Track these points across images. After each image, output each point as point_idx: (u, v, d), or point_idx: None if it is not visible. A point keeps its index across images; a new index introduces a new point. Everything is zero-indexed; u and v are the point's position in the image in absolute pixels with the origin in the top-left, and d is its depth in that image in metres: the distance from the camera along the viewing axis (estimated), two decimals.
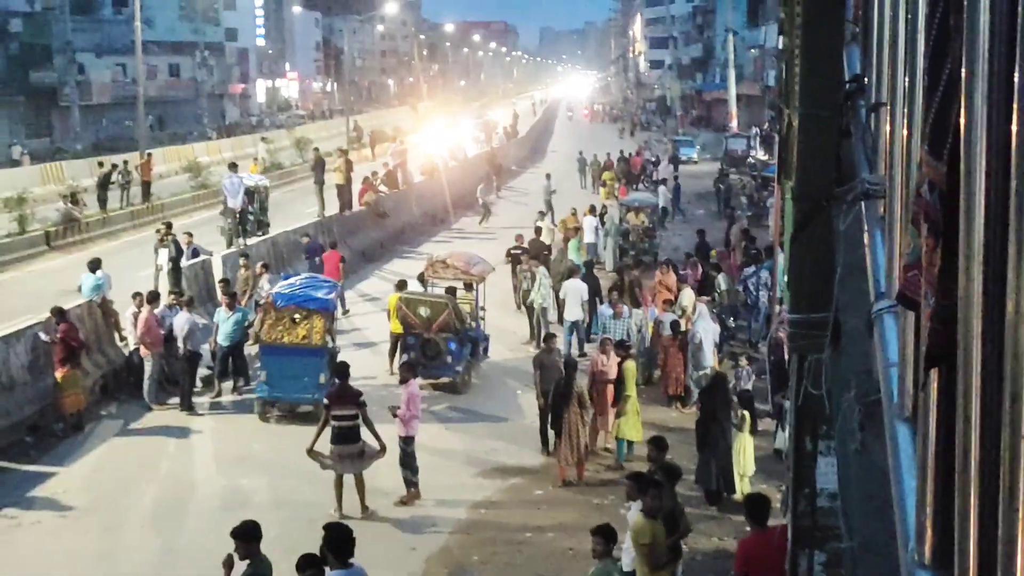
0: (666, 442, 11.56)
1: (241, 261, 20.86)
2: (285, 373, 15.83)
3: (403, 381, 13.30)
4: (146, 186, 36.34)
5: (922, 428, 2.79)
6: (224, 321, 17.31)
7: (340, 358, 15.83)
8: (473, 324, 18.56)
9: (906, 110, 3.67)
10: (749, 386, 15.22)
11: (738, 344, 20.15)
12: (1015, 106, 1.84)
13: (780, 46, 16.55)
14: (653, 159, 49.86)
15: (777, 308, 17.11)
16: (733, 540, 11.45)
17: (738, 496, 12.75)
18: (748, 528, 9.38)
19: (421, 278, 19.62)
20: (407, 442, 12.95)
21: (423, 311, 17.58)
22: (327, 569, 7.75)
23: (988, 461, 2.03)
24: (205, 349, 17.41)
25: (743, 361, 16.23)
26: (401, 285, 18.91)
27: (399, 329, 17.93)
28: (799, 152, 5.42)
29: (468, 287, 19.34)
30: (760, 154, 50.55)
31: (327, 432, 12.53)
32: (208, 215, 32.29)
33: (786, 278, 7.40)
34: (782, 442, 13.28)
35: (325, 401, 12.75)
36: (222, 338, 17.24)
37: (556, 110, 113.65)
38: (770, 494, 11.74)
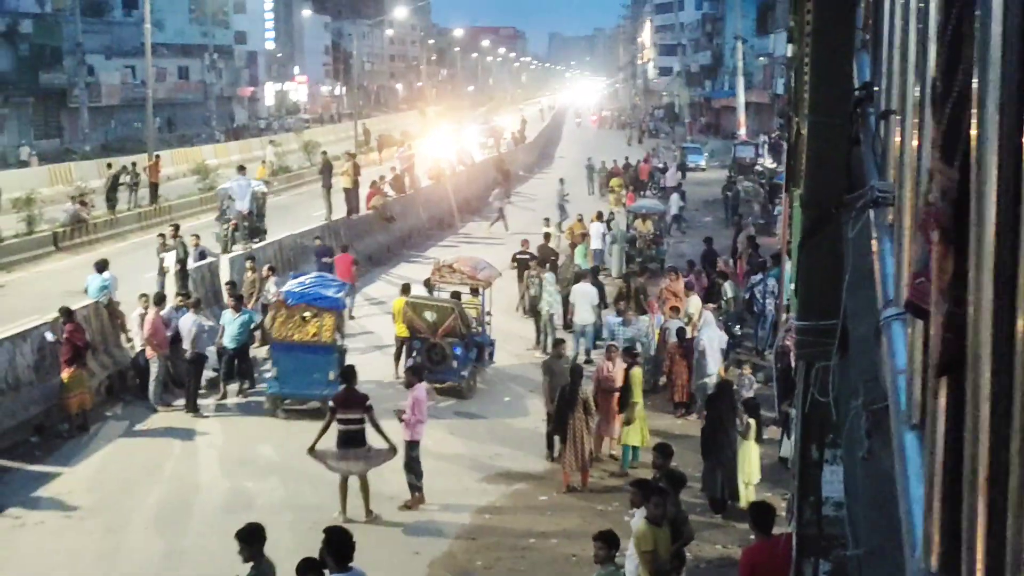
0: (671, 449, 11.55)
1: (248, 264, 20.89)
2: (295, 369, 16.13)
3: (409, 385, 13.28)
4: (154, 188, 36.44)
5: (930, 436, 2.78)
6: (230, 323, 17.34)
7: (347, 362, 15.88)
8: (479, 329, 18.56)
9: (916, 118, 3.66)
10: (751, 394, 15.19)
11: (744, 352, 20.11)
12: None
13: (789, 54, 16.57)
14: (661, 166, 49.83)
15: (784, 316, 17.12)
16: (738, 548, 11.43)
17: (743, 504, 12.72)
18: (752, 536, 9.35)
19: (428, 284, 19.61)
20: (412, 447, 12.94)
21: (429, 315, 17.59)
22: (326, 572, 7.74)
23: (996, 469, 2.02)
24: (211, 351, 17.42)
25: (746, 369, 16.21)
26: (405, 289, 18.96)
27: (404, 333, 17.95)
28: (808, 159, 5.41)
29: (474, 292, 19.35)
30: (768, 162, 50.50)
31: (331, 435, 12.52)
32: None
33: (793, 286, 7.40)
34: (788, 450, 13.25)
35: (331, 404, 12.74)
36: (228, 340, 17.26)
37: (564, 116, 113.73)
38: (775, 502, 11.71)
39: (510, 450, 15.20)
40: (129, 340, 17.85)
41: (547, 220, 29.17)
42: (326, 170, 34.04)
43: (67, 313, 15.67)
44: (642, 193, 42.18)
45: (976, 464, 2.12)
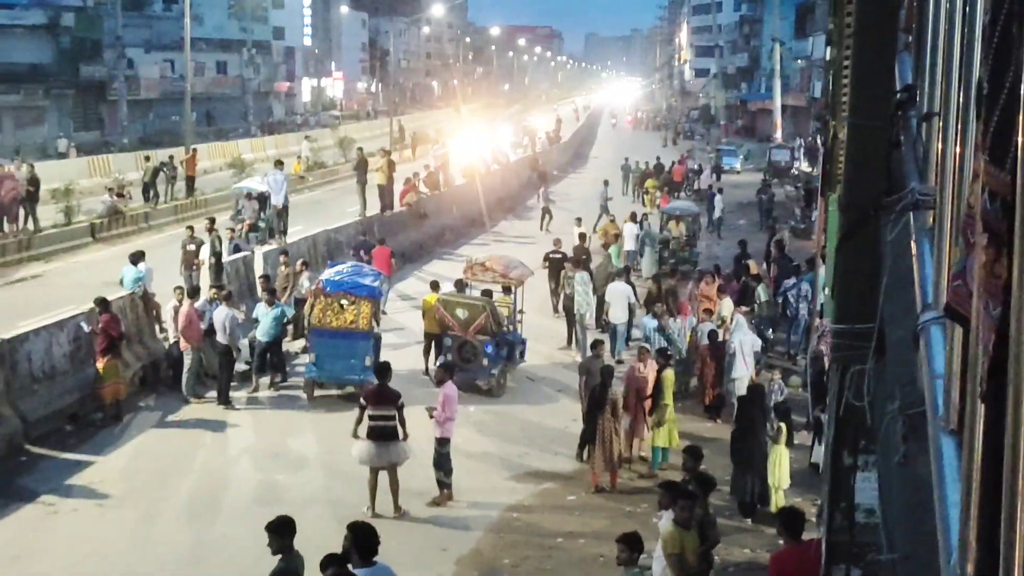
0: (701, 452, 11.50)
1: (281, 259, 20.99)
2: (333, 355, 16.72)
3: (440, 383, 13.31)
4: (190, 181, 36.73)
5: (967, 441, 2.75)
6: (263, 317, 17.47)
7: (382, 348, 16.21)
8: (510, 327, 18.56)
9: (959, 120, 3.62)
10: (782, 398, 15.11)
11: (776, 356, 20.01)
12: None
13: (827, 57, 16.43)
14: (696, 167, 49.63)
15: (817, 321, 16.99)
16: (766, 553, 11.36)
17: (773, 508, 12.65)
18: (781, 541, 9.30)
19: (458, 283, 19.58)
20: (442, 443, 12.96)
21: (460, 313, 17.62)
22: (350, 567, 7.77)
23: None
24: (244, 344, 17.54)
25: (776, 374, 16.11)
26: (435, 286, 19.03)
27: (434, 329, 18.01)
28: (847, 162, 5.36)
29: (506, 290, 19.36)
30: (804, 166, 50.18)
31: (363, 430, 12.58)
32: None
33: (828, 290, 7.33)
34: (819, 456, 13.16)
35: (362, 401, 12.80)
36: (261, 334, 17.38)
37: (599, 116, 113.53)
38: (805, 508, 11.65)
39: (539, 449, 15.19)
40: (163, 331, 18.01)
41: (579, 220, 29.12)
42: (361, 166, 34.17)
43: (103, 303, 15.83)
44: (677, 195, 42.00)
45: (1015, 470, 2.09)
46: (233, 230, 24.60)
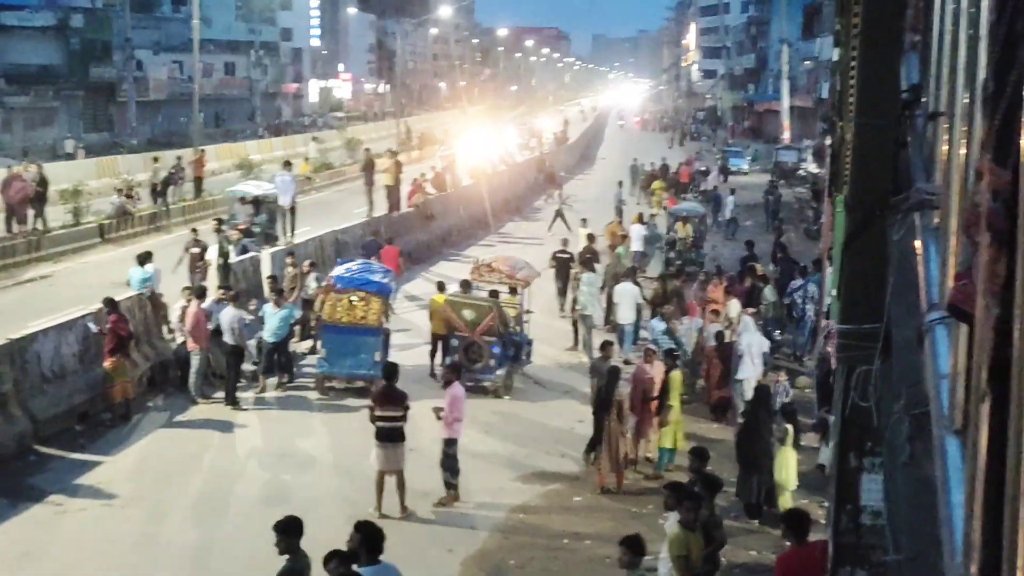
0: (707, 453, 11.50)
1: (288, 259, 21.01)
2: (343, 350, 17.03)
3: (447, 383, 13.31)
4: (198, 182, 36.78)
5: (972, 441, 2.74)
6: (271, 317, 17.49)
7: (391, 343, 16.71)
8: (517, 328, 18.56)
9: (965, 120, 3.62)
10: (788, 399, 15.09)
11: (782, 357, 19.97)
12: None
13: (835, 58, 16.42)
14: (703, 169, 49.60)
15: (824, 322, 16.98)
16: (772, 554, 11.34)
17: (780, 509, 12.62)
18: (787, 543, 9.29)
19: (464, 283, 19.54)
20: (449, 444, 12.95)
21: (467, 314, 17.63)
22: (355, 567, 7.79)
23: None
24: (251, 344, 17.57)
25: (782, 376, 16.08)
26: (441, 287, 19.06)
27: (441, 330, 18.01)
28: (854, 161, 5.35)
29: (513, 291, 19.36)
30: (812, 167, 50.13)
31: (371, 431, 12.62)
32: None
33: (834, 290, 7.32)
34: (826, 457, 13.14)
35: (370, 403, 12.81)
36: (268, 334, 17.40)
37: (606, 118, 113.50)
38: (811, 509, 11.63)
39: (546, 450, 15.18)
40: (171, 332, 18.02)
41: (584, 221, 29.13)
42: (368, 167, 34.20)
43: (111, 304, 15.87)
44: (683, 196, 42.00)
45: (1019, 470, 2.09)
46: (242, 231, 24.58)
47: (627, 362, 18.53)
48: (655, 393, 14.60)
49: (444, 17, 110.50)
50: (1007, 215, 2.13)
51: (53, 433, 14.68)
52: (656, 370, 14.89)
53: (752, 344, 16.70)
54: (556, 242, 26.03)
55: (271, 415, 16.53)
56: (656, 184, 42.09)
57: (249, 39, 78.02)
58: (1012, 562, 2.11)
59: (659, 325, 18.38)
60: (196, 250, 21.73)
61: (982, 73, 3.15)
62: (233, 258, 21.68)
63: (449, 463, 12.99)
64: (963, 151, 3.63)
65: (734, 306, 19.47)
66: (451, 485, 13.05)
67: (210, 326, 16.85)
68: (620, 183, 38.03)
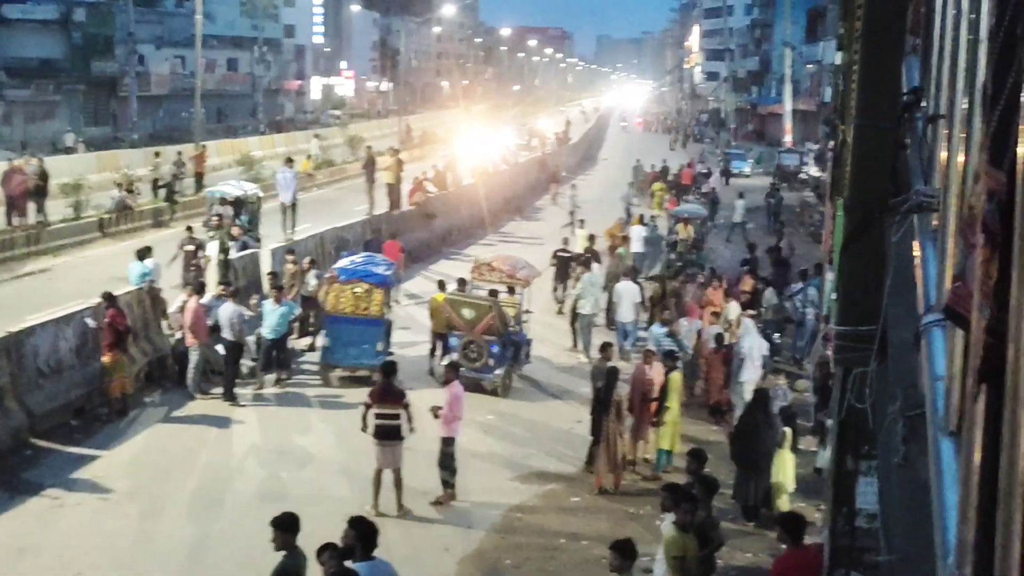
0: (705, 454, 11.50)
1: (288, 257, 21.00)
2: (346, 340, 17.38)
3: (446, 382, 13.31)
4: (199, 177, 36.77)
5: (966, 442, 2.74)
6: (270, 314, 17.48)
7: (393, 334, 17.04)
8: (517, 328, 18.56)
9: (964, 123, 3.62)
10: (786, 403, 15.09)
11: (782, 361, 19.97)
12: None
13: (838, 61, 16.41)
14: (705, 171, 49.60)
15: (823, 325, 16.98)
16: (768, 557, 11.35)
17: (778, 510, 12.61)
18: (783, 545, 9.29)
19: (462, 281, 19.55)
20: (447, 443, 12.95)
21: (467, 313, 17.63)
22: (348, 563, 7.79)
23: None
24: (250, 340, 17.57)
25: (780, 379, 16.08)
26: (441, 285, 19.08)
27: (441, 328, 18.02)
28: (853, 163, 5.35)
29: (512, 291, 19.35)
30: (814, 170, 50.13)
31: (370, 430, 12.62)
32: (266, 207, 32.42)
33: (834, 294, 7.31)
34: (823, 461, 13.14)
35: (367, 400, 12.81)
36: (267, 331, 17.39)
37: (609, 118, 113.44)
38: (809, 512, 11.64)
39: (543, 450, 15.18)
40: (170, 328, 18.01)
41: (581, 222, 29.12)
42: (370, 165, 34.19)
43: (109, 298, 15.86)
44: (685, 198, 42.01)
45: (1012, 472, 2.08)
46: (242, 228, 24.57)
47: (626, 359, 18.52)
48: (654, 394, 14.60)
49: (448, 15, 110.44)
50: (1001, 217, 2.12)
51: (50, 427, 14.66)
52: (655, 371, 14.88)
53: (753, 347, 16.70)
54: (556, 241, 26.07)
55: (269, 411, 16.52)
56: (656, 186, 42.10)
57: (252, 35, 77.88)
58: (1005, 564, 2.11)
59: (660, 330, 18.35)
60: (191, 247, 21.71)
61: (982, 77, 3.15)
62: (233, 254, 21.68)
63: (447, 462, 12.98)
64: (962, 153, 3.63)
65: (733, 308, 19.47)
66: (448, 484, 13.04)
67: (209, 322, 16.84)
68: (630, 184, 38.07)
